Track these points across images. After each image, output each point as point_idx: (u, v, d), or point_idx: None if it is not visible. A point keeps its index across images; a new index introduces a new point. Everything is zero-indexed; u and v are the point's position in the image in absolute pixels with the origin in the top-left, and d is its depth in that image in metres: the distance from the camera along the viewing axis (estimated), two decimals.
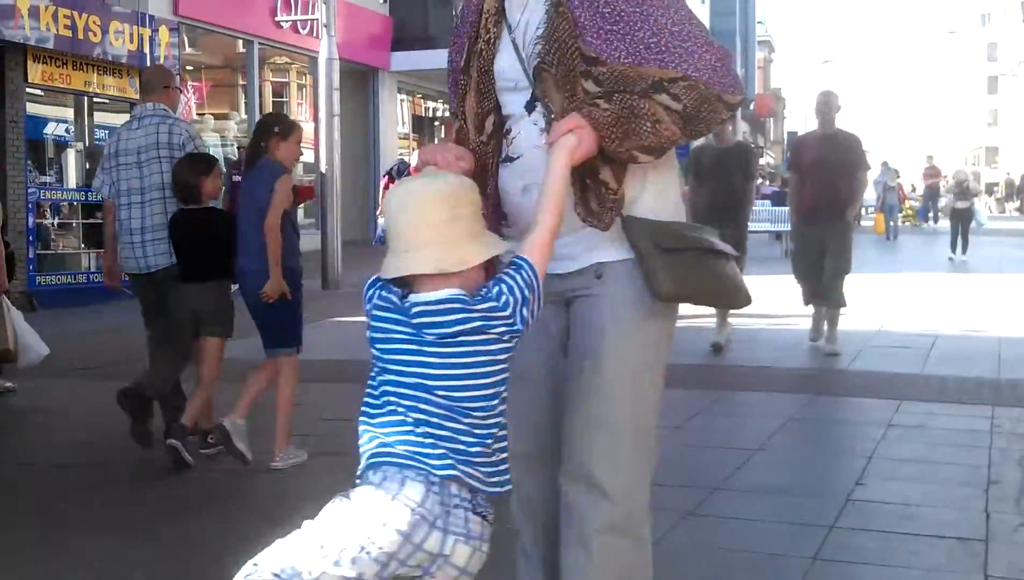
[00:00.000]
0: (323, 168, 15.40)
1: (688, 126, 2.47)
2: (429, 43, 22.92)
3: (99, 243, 10.85)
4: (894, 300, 13.11)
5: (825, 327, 9.14)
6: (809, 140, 9.56)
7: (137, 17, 15.45)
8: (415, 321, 2.17)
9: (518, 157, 2.55)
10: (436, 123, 27.50)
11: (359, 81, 21.99)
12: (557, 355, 2.67)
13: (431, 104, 26.89)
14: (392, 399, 2.18)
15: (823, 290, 9.09)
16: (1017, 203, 43.11)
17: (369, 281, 2.27)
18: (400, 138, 24.54)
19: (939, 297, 13.64)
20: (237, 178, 11.94)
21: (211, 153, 9.21)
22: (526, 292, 2.19)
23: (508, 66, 2.57)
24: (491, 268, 2.28)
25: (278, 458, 5.50)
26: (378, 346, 2.22)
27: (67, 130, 15.31)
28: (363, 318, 2.28)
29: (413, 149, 25.11)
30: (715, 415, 6.86)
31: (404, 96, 24.62)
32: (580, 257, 2.56)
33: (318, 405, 6.99)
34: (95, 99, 15.31)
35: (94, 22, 14.43)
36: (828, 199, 8.93)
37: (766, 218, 22.37)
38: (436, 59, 22.68)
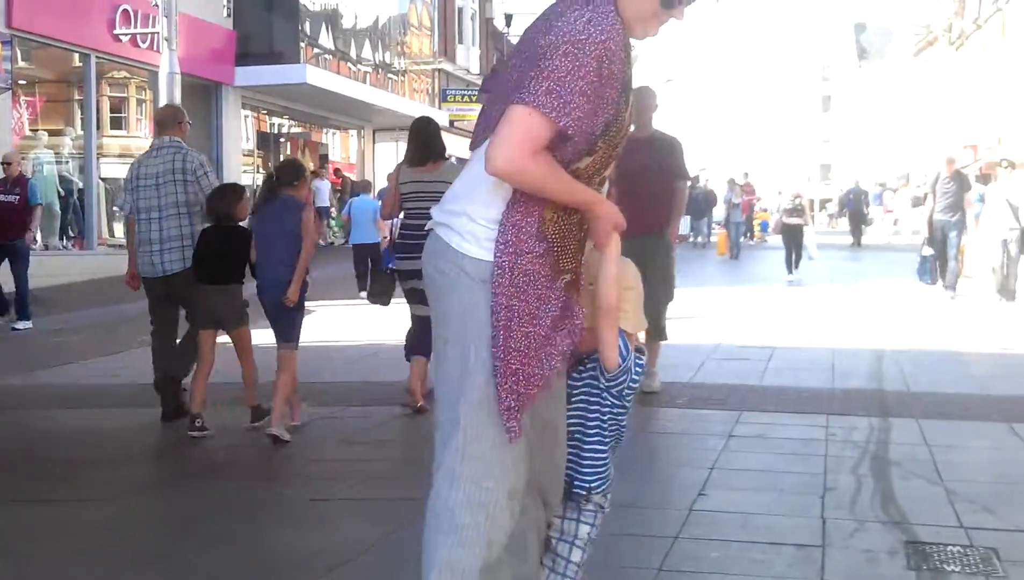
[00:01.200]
0: None
1: None
2: (274, 58, 22.62)
3: None
4: (733, 313, 13.45)
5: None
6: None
7: None
8: None
9: None
10: (281, 140, 27.11)
11: (202, 96, 21.52)
12: None
13: (276, 120, 26.49)
14: None
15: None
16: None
17: None
18: (244, 155, 24.10)
19: (775, 310, 14.05)
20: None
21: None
22: None
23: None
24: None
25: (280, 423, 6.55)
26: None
27: None
28: None
29: (258, 167, 24.77)
30: None
31: (248, 112, 24.19)
32: None
33: None
34: None
35: None
36: (639, 211, 7.02)
37: None
38: (280, 74, 22.56)
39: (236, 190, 7.35)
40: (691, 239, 27.98)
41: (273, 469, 6.26)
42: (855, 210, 34.61)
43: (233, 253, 6.87)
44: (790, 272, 19.01)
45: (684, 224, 18.55)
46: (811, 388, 8.20)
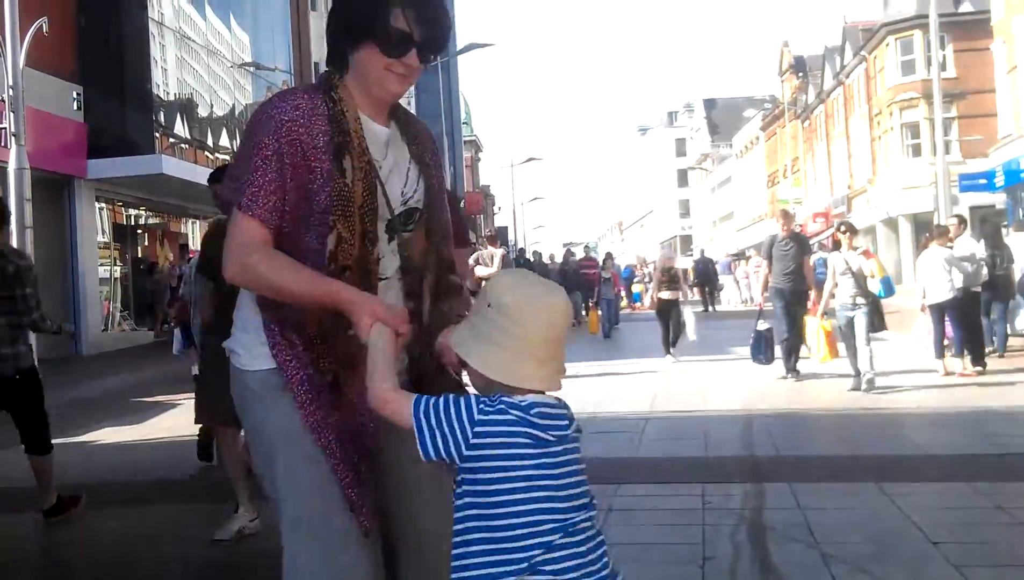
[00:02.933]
0: None
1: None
2: (128, 149, 22.22)
3: None
4: (605, 387, 13.51)
5: None
6: None
7: None
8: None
9: (385, 278, 2.76)
10: (139, 231, 26.56)
11: (54, 190, 20.99)
12: None
13: (132, 212, 25.96)
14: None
15: None
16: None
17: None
18: (101, 248, 23.52)
19: (647, 381, 14.16)
20: None
21: None
22: None
23: (380, 197, 2.72)
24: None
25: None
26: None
27: None
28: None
29: (115, 259, 24.19)
30: None
31: (103, 204, 23.66)
32: None
33: None
34: None
35: None
36: None
37: None
38: (135, 165, 22.14)
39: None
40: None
41: None
42: (704, 279, 35.76)
43: None
44: (668, 351, 16.58)
45: None
46: (686, 457, 8.25)
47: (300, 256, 2.63)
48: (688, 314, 17.05)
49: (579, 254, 32.18)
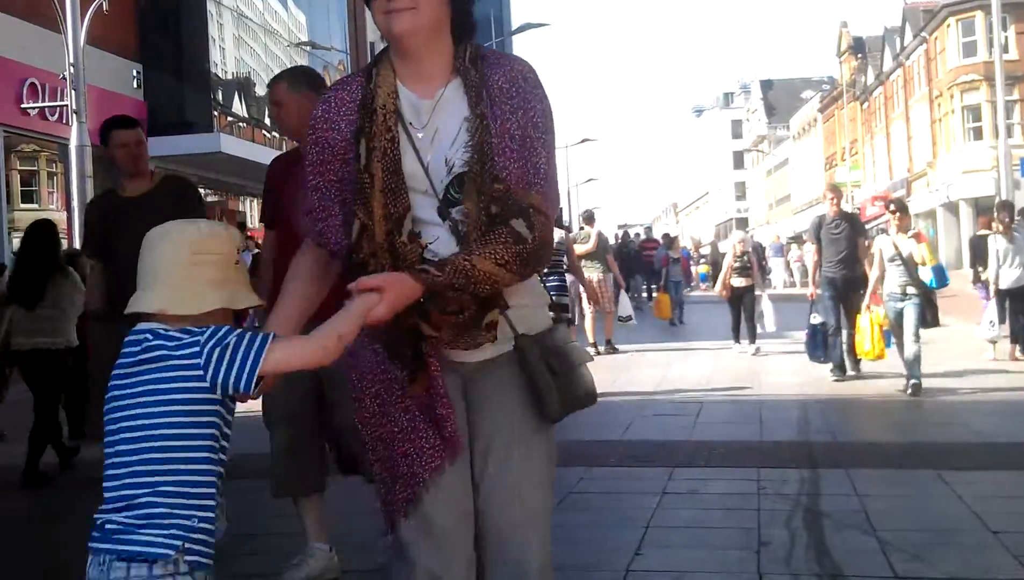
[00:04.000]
0: None
1: (524, 269, 2.54)
2: (185, 128, 22.41)
3: None
4: (661, 370, 13.47)
5: None
6: None
7: None
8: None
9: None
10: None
11: (113, 167, 21.24)
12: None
13: None
14: None
15: None
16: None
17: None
18: None
19: (702, 364, 14.10)
20: None
21: None
22: (227, 354, 2.19)
23: (414, 169, 2.57)
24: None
25: None
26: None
27: None
28: None
29: None
30: None
31: None
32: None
33: None
34: None
35: None
36: None
37: None
38: (192, 144, 22.34)
39: None
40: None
41: None
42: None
43: None
44: (737, 340, 15.58)
45: (624, 304, 16.00)
46: (741, 441, 8.21)
47: None
48: (766, 303, 15.64)
49: (633, 236, 31.78)
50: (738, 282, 15.43)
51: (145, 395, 2.22)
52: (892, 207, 11.25)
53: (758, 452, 7.75)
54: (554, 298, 11.47)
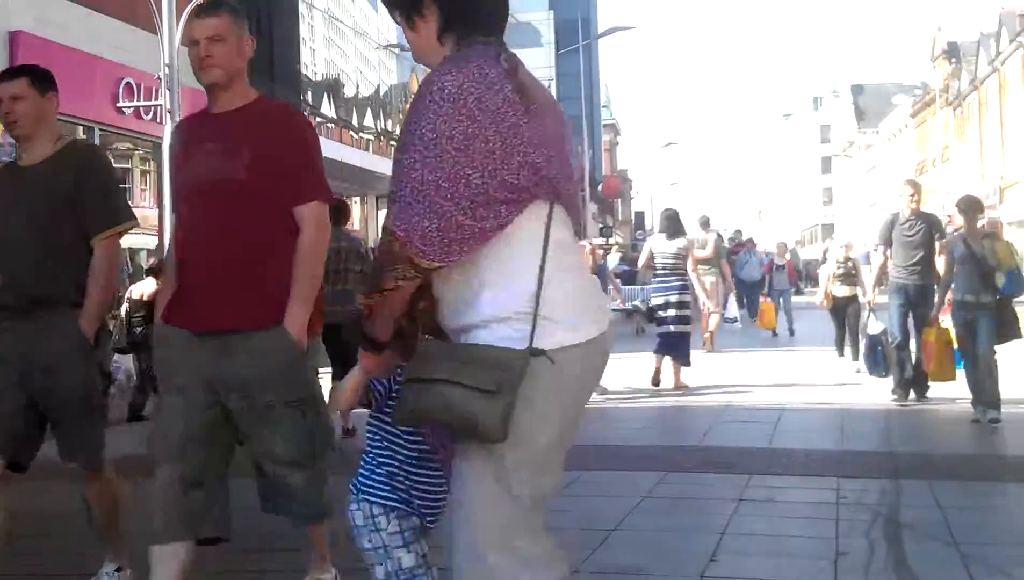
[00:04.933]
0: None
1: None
2: None
3: None
4: (739, 377, 13.38)
5: None
6: None
7: None
8: None
9: None
10: None
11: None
12: None
13: None
14: None
15: None
16: None
17: None
18: None
19: (783, 372, 13.97)
20: None
21: None
22: None
23: None
24: None
25: None
26: None
27: None
28: None
29: None
30: (569, 496, 6.82)
31: None
32: None
33: None
34: None
35: None
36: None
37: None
38: None
39: None
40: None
41: None
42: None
43: None
44: (841, 353, 14.71)
45: (732, 307, 16.26)
46: (821, 450, 8.14)
47: None
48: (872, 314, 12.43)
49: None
50: (841, 291, 14.34)
51: None
52: (962, 206, 9.69)
53: (838, 461, 7.67)
54: (677, 299, 11.68)
